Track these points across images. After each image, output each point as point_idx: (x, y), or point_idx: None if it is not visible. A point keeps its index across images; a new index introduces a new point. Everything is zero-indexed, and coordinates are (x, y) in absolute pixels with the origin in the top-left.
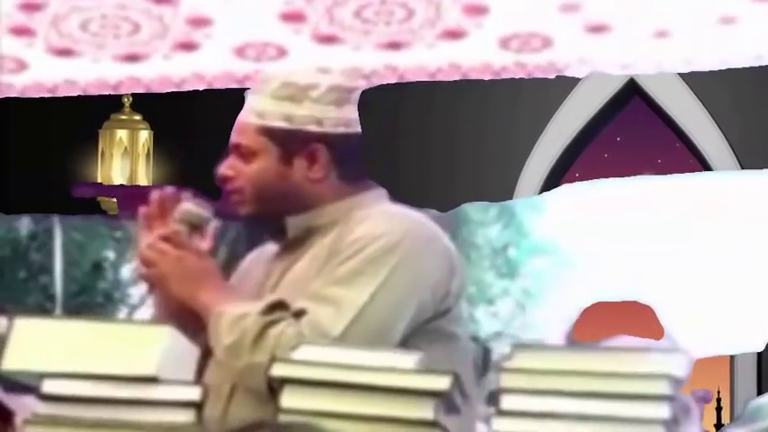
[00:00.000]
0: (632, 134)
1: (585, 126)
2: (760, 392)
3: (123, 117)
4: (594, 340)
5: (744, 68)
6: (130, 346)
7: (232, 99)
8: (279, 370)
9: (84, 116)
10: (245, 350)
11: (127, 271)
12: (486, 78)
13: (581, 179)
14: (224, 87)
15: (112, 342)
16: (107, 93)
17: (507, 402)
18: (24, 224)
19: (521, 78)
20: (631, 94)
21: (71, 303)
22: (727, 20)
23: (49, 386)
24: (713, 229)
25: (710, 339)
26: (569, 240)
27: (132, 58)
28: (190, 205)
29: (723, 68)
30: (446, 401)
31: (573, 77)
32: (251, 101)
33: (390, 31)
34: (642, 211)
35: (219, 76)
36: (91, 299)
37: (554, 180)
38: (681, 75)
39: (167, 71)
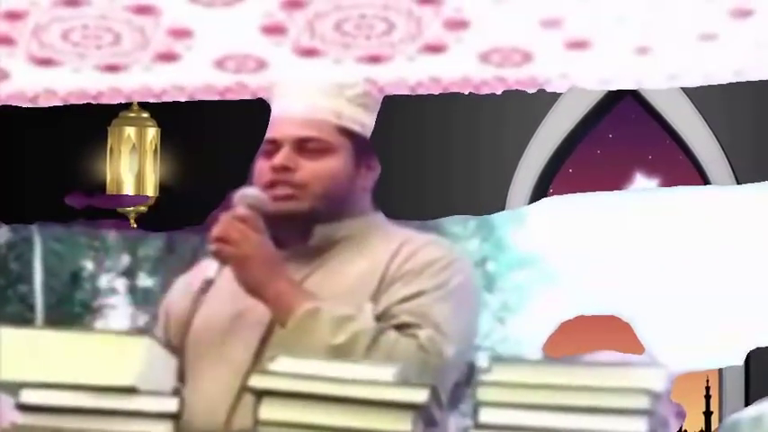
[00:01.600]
0: (624, 131)
1: (579, 123)
2: (747, 378)
3: (131, 115)
4: (573, 354)
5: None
6: (109, 356)
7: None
8: (257, 381)
9: (94, 114)
10: (358, 353)
11: (105, 281)
12: (466, 92)
13: (575, 174)
14: (204, 99)
15: (91, 352)
16: (87, 102)
17: (485, 416)
18: (2, 233)
19: None
20: (623, 93)
21: (50, 313)
22: (707, 36)
23: (27, 396)
24: (694, 244)
25: (691, 354)
26: (549, 254)
27: (113, 68)
28: (251, 190)
29: (705, 84)
30: (424, 414)
31: None
32: (320, 99)
33: (371, 44)
34: (622, 225)
35: (200, 87)
36: (69, 309)
37: (549, 175)
38: None
39: (148, 82)
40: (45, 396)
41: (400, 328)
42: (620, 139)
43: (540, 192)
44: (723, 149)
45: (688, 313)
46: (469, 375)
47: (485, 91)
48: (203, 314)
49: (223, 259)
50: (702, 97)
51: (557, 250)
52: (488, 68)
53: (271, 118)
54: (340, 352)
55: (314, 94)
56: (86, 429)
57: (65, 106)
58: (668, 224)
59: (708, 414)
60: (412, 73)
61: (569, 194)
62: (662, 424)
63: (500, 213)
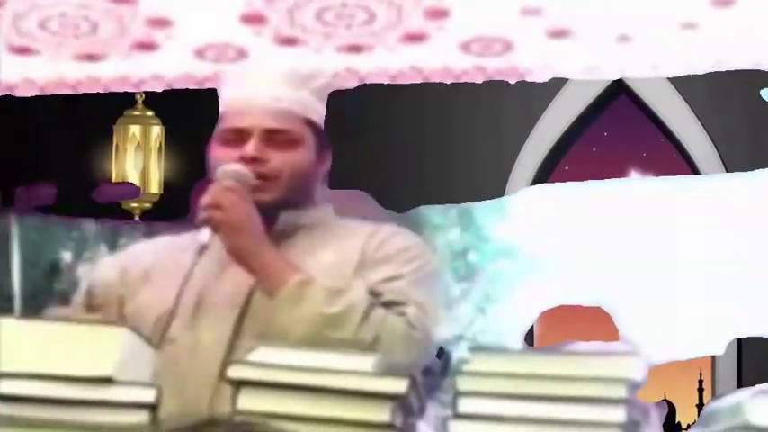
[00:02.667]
0: (619, 129)
1: (575, 122)
2: (740, 372)
3: (136, 113)
4: (552, 343)
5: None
6: (87, 346)
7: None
8: (236, 372)
9: (100, 113)
10: (352, 324)
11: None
12: (446, 82)
13: (571, 172)
14: (183, 88)
15: (68, 343)
16: (65, 92)
17: (464, 405)
18: None
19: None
20: (618, 92)
21: (27, 304)
22: (688, 25)
23: (4, 386)
24: (675, 233)
25: (672, 343)
26: (530, 244)
27: (91, 57)
28: (235, 166)
29: (686, 74)
30: (403, 404)
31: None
32: (286, 90)
33: (351, 33)
34: (603, 214)
35: (179, 77)
36: (47, 300)
37: (545, 172)
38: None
39: (126, 71)
40: (22, 386)
41: (386, 305)
42: (615, 138)
43: None
44: (716, 147)
45: (669, 302)
46: (448, 365)
47: (465, 80)
48: (152, 294)
49: (214, 226)
50: (695, 96)
51: (538, 240)
52: (469, 58)
53: (230, 105)
54: (334, 322)
55: (279, 84)
56: (64, 420)
57: (71, 104)
58: (650, 213)
59: (701, 407)
60: (393, 62)
61: (550, 183)
62: (642, 413)
63: (481, 203)
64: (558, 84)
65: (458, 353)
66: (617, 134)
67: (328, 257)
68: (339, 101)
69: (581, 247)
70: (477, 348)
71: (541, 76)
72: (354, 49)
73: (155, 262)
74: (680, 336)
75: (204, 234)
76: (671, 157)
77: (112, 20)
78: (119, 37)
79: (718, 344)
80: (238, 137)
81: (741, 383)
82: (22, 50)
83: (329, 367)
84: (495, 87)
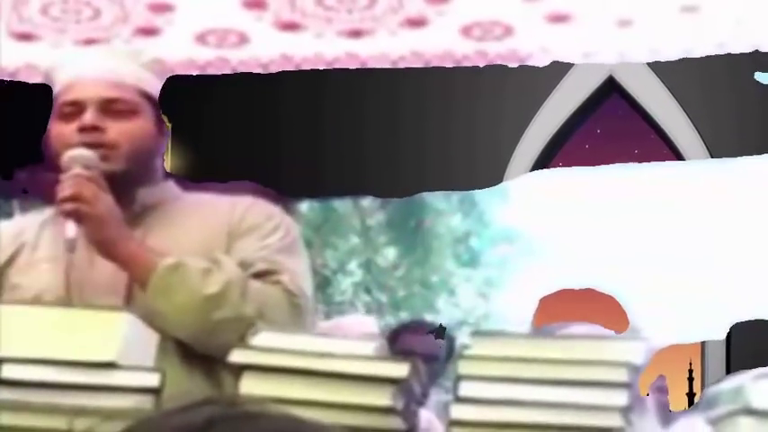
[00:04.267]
0: (611, 127)
1: (568, 119)
2: (728, 361)
3: None
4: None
5: (714, 64)
6: (89, 331)
7: (246, 95)
8: (238, 356)
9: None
10: (233, 301)
11: None
12: (447, 66)
13: (564, 167)
14: (185, 74)
15: (71, 328)
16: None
17: (465, 389)
18: None
19: (509, 75)
20: (610, 90)
21: None
22: (689, 9)
23: (8, 371)
24: (677, 217)
25: (673, 327)
26: (532, 229)
27: (93, 42)
28: (82, 150)
29: (687, 57)
30: (404, 388)
31: (559, 75)
32: (119, 63)
33: (353, 18)
34: (605, 198)
35: (181, 62)
36: None
37: (540, 168)
38: (655, 72)
39: None
40: (26, 371)
41: (258, 276)
42: (608, 135)
43: None
44: (705, 144)
45: (671, 286)
46: (450, 350)
47: (466, 64)
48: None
49: (79, 219)
50: (686, 94)
51: (539, 225)
52: (469, 42)
53: (63, 82)
54: (215, 301)
55: (109, 59)
56: (67, 404)
57: None
58: (652, 197)
59: (691, 395)
60: (394, 47)
61: (550, 169)
62: (640, 397)
63: (483, 189)
64: (552, 82)
65: (460, 338)
66: (609, 131)
67: (193, 234)
68: (341, 87)
69: (584, 232)
70: (478, 333)
71: (541, 60)
72: (355, 33)
73: (19, 246)
74: (681, 319)
75: (71, 228)
76: (662, 154)
77: (114, 5)
78: (120, 22)
79: (720, 328)
80: (75, 110)
81: (730, 372)
82: (24, 36)
83: (330, 351)
84: (492, 85)
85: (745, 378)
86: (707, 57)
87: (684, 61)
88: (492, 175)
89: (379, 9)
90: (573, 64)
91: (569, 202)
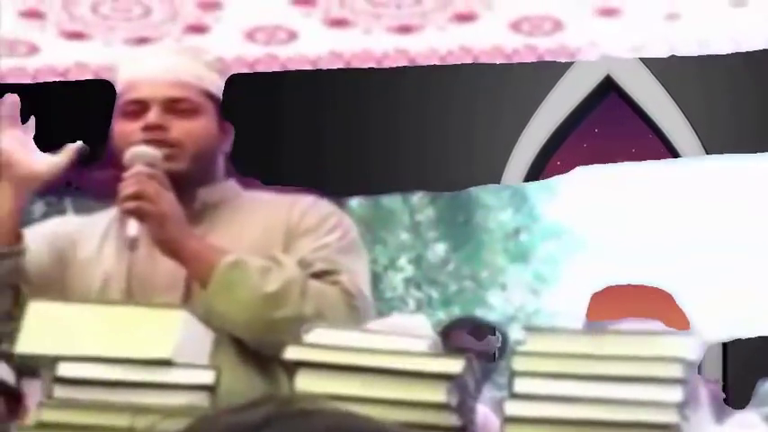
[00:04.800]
0: (609, 126)
1: (567, 118)
2: (725, 358)
3: None
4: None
5: (712, 66)
6: (145, 329)
7: (251, 88)
8: (293, 353)
9: (109, 106)
10: (293, 300)
11: None
12: (497, 62)
13: (562, 167)
14: (235, 72)
15: (127, 325)
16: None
17: (520, 386)
18: (38, 207)
19: (507, 75)
20: (608, 90)
21: None
22: (738, 2)
23: (63, 369)
24: (726, 211)
25: (724, 324)
26: (582, 223)
27: (143, 41)
28: (144, 148)
29: (737, 51)
30: (459, 384)
31: (557, 75)
32: (181, 62)
33: (401, 14)
34: (655, 194)
35: (230, 60)
36: None
37: (538, 167)
38: (653, 72)
39: None
40: (82, 369)
41: (317, 276)
42: (606, 134)
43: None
44: (702, 143)
45: (723, 282)
46: (503, 347)
47: (516, 60)
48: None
49: (141, 216)
50: (683, 94)
51: (590, 219)
52: (519, 37)
53: (127, 81)
54: (275, 300)
55: (173, 58)
56: (123, 402)
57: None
58: (702, 193)
59: None
60: (442, 42)
61: (601, 164)
62: (695, 391)
63: (532, 183)
64: (551, 82)
65: (512, 334)
66: (607, 131)
67: (253, 233)
68: (341, 89)
69: (631, 226)
70: (532, 328)
71: (590, 55)
72: (404, 29)
73: (85, 241)
74: (733, 314)
75: (132, 226)
76: (659, 153)
77: (164, 3)
78: (170, 20)
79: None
80: (139, 108)
81: (726, 369)
82: (75, 35)
83: (385, 348)
84: (490, 84)
85: None
86: (705, 56)
87: (682, 61)
88: (490, 175)
89: (428, 4)
90: (570, 64)
91: (619, 196)
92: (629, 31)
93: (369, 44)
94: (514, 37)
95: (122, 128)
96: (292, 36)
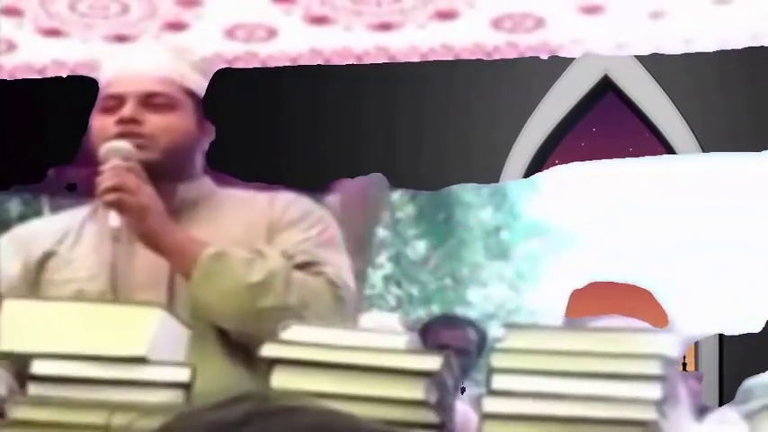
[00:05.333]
0: (606, 125)
1: (564, 118)
2: (722, 356)
3: None
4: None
5: (708, 65)
6: (120, 326)
7: (247, 85)
8: (270, 350)
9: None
10: (277, 290)
11: None
12: (477, 58)
13: (560, 165)
14: (214, 69)
15: (102, 323)
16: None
17: (498, 382)
18: (14, 206)
19: (505, 75)
20: (605, 89)
21: None
22: (722, 0)
23: (39, 367)
24: (708, 209)
25: (706, 320)
26: (563, 221)
27: (121, 38)
28: (120, 143)
29: (721, 49)
30: (437, 381)
31: (554, 75)
32: (163, 60)
33: (382, 11)
34: (635, 191)
35: (209, 57)
36: None
37: (536, 166)
38: (650, 71)
39: None
40: (56, 367)
41: (300, 267)
42: (603, 133)
43: None
44: (699, 142)
45: (703, 278)
46: (482, 344)
47: (497, 57)
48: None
49: (122, 209)
50: (679, 94)
51: (570, 217)
52: (500, 34)
53: (108, 77)
54: (258, 290)
55: (156, 55)
56: (98, 399)
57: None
58: (682, 190)
59: None
60: (423, 40)
61: (580, 162)
62: (674, 389)
63: (513, 181)
64: (548, 82)
65: (492, 331)
66: (604, 130)
67: (235, 230)
68: (336, 85)
69: (613, 224)
70: (511, 325)
71: (573, 52)
72: (384, 26)
73: (58, 242)
74: (714, 311)
75: (114, 218)
76: (656, 152)
77: (142, 1)
78: (148, 17)
79: (756, 320)
80: (116, 103)
81: (722, 369)
82: (52, 32)
83: (362, 345)
84: (488, 84)
85: None
86: (701, 56)
87: (678, 61)
88: (489, 174)
89: (408, 2)
90: (568, 64)
91: (600, 194)
92: (612, 29)
93: (349, 41)
94: (496, 34)
95: (99, 123)
96: (272, 33)
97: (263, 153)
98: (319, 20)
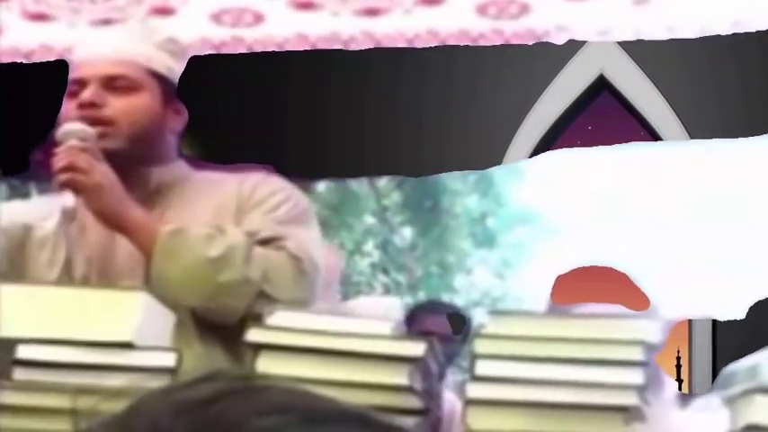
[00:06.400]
0: (602, 124)
1: (561, 116)
2: (714, 348)
3: None
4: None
5: (704, 62)
6: (106, 311)
7: (258, 74)
8: (254, 336)
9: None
10: (237, 264)
11: None
12: (463, 44)
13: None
14: (200, 54)
15: (88, 308)
16: None
17: (482, 368)
18: (1, 191)
19: (503, 75)
20: (601, 88)
21: None
22: None
23: (24, 352)
24: (694, 195)
25: (690, 305)
26: (549, 208)
27: (108, 23)
28: (76, 125)
29: (703, 35)
30: (421, 367)
31: (551, 74)
32: (127, 44)
33: None
34: (622, 178)
35: (195, 42)
36: None
37: None
38: (645, 71)
39: None
40: (42, 352)
41: (263, 243)
42: (598, 132)
43: None
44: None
45: (689, 265)
46: (467, 331)
47: (482, 43)
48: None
49: (75, 189)
50: (674, 93)
51: (556, 204)
52: (485, 21)
53: (74, 63)
54: (218, 264)
55: (120, 39)
56: (84, 384)
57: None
58: (669, 176)
59: (679, 382)
60: (409, 25)
61: (567, 149)
62: (654, 376)
63: (499, 167)
64: (545, 81)
65: (477, 319)
66: (600, 128)
67: (206, 212)
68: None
69: (601, 211)
70: (495, 312)
71: (558, 38)
72: (371, 12)
73: (41, 219)
74: (698, 297)
75: (68, 198)
76: None
77: None
78: (135, 2)
79: (739, 306)
80: (79, 88)
81: (716, 360)
82: (39, 17)
83: (347, 331)
84: (486, 84)
85: (760, 357)
86: (699, 56)
87: (673, 60)
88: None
89: None
90: (564, 63)
91: (585, 181)
92: (596, 15)
93: (335, 27)
94: (481, 20)
95: (65, 107)
96: (259, 18)
97: (254, 139)
98: (306, 5)
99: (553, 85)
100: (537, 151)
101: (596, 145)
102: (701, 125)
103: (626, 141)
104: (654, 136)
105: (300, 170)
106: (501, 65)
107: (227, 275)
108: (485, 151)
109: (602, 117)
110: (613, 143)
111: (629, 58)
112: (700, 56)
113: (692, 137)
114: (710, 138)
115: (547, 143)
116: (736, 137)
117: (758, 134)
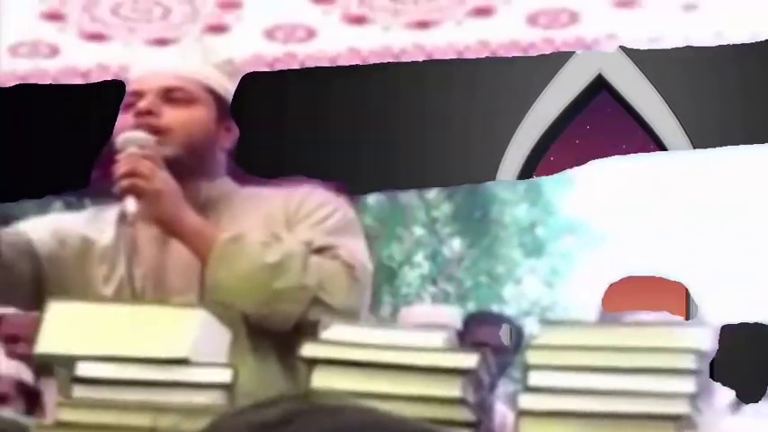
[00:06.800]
0: (600, 124)
1: (560, 116)
2: None
3: None
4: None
5: (703, 64)
6: (163, 328)
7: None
8: (309, 351)
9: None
10: (294, 270)
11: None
12: (513, 55)
13: (556, 162)
14: (254, 70)
15: (145, 325)
16: None
17: (534, 379)
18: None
19: (501, 75)
20: (599, 88)
21: None
22: None
23: (82, 369)
24: (744, 203)
25: (740, 312)
26: (598, 217)
27: (163, 42)
28: (137, 133)
29: (754, 41)
30: (474, 379)
31: (549, 74)
32: (185, 60)
33: (419, 9)
34: (672, 186)
35: (249, 59)
36: None
37: (533, 162)
38: (643, 70)
39: None
40: (100, 369)
41: (316, 252)
42: (597, 131)
43: (524, 178)
44: (690, 141)
45: (738, 273)
46: (518, 341)
47: (533, 53)
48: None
49: (137, 194)
50: (672, 93)
51: (605, 213)
52: (536, 30)
53: (132, 79)
54: (275, 270)
55: (178, 59)
56: (141, 401)
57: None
58: (720, 185)
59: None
60: (460, 37)
61: (615, 157)
62: (708, 383)
63: (548, 177)
64: (543, 81)
65: (527, 328)
66: (599, 128)
67: (255, 226)
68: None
69: (651, 220)
70: (546, 322)
71: (607, 46)
72: (422, 24)
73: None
74: (748, 305)
75: (130, 203)
76: (648, 150)
77: (184, 4)
78: (190, 21)
79: None
80: (136, 99)
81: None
82: (95, 36)
83: (400, 344)
84: (485, 84)
85: None
86: (696, 56)
87: (673, 60)
88: (485, 171)
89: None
90: (563, 63)
91: (634, 189)
92: (646, 23)
93: (387, 40)
94: (531, 30)
95: (121, 118)
96: (311, 34)
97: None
98: (358, 19)
99: (552, 85)
100: (535, 151)
101: (594, 144)
102: (699, 126)
103: (624, 140)
104: (652, 136)
105: (352, 184)
106: (501, 65)
107: (283, 282)
108: (484, 151)
109: (600, 117)
110: (612, 143)
111: (627, 58)
112: (699, 56)
113: (690, 138)
114: (710, 138)
115: (546, 142)
116: (736, 138)
117: (761, 127)
